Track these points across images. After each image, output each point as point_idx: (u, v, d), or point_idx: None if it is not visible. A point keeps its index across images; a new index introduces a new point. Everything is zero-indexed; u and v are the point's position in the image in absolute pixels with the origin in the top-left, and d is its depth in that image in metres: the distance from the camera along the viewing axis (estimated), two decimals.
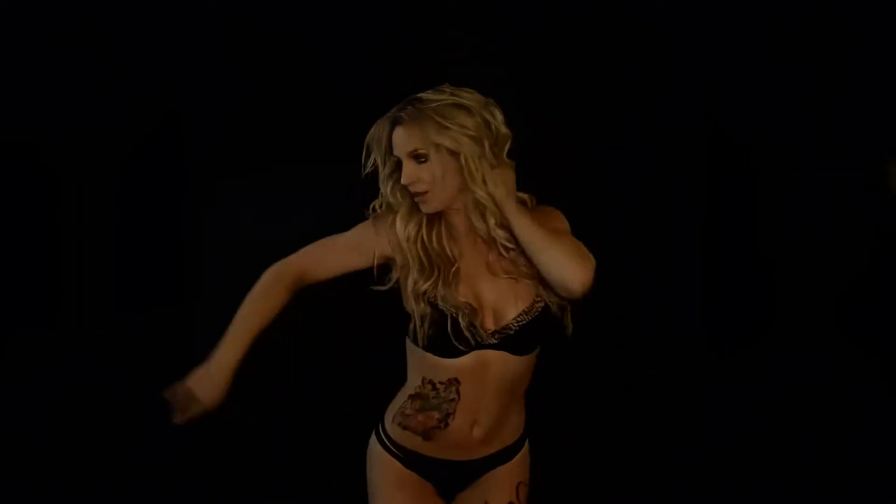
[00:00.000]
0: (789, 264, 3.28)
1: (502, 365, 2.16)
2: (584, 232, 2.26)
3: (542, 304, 2.16)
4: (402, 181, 2.10)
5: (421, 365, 2.21)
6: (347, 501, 2.50)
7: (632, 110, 3.22)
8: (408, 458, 2.28)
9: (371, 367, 2.30)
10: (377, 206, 2.21)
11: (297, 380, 3.34)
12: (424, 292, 2.13)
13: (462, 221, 2.17)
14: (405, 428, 2.25)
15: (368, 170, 2.16)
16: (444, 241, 2.18)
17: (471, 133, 2.06)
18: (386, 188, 2.17)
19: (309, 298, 2.35)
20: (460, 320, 2.11)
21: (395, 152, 2.11)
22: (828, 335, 3.28)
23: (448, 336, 2.12)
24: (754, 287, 3.31)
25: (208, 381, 2.20)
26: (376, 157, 2.16)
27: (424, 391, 2.22)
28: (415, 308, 2.15)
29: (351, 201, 2.36)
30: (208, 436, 3.32)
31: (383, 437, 2.33)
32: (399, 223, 2.17)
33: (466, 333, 2.10)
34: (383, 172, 2.17)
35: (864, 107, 3.19)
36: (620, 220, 3.24)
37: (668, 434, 3.33)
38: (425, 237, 2.16)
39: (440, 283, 2.13)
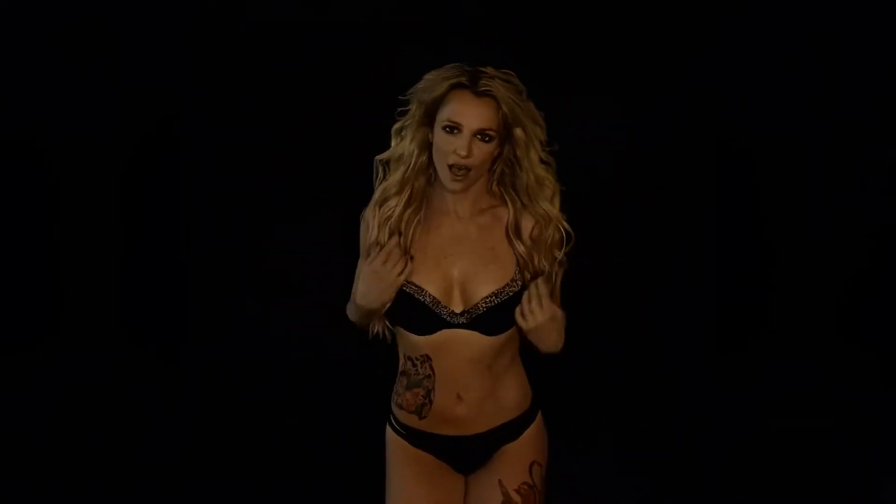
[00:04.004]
0: (790, 263, 3.28)
1: (474, 344, 2.16)
2: (586, 231, 2.26)
3: (515, 289, 2.16)
4: (458, 151, 2.08)
5: (401, 341, 2.25)
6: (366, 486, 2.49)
7: (631, 110, 3.22)
8: (412, 437, 2.29)
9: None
10: (382, 160, 2.20)
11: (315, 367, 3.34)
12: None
13: (450, 199, 2.18)
14: (400, 407, 2.27)
15: (404, 123, 2.15)
16: (413, 227, 2.18)
17: (539, 125, 2.13)
18: (406, 140, 2.16)
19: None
20: (423, 300, 2.13)
21: (456, 119, 2.09)
22: (828, 335, 3.28)
23: (413, 314, 2.14)
24: (755, 286, 3.31)
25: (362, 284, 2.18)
26: (414, 106, 2.15)
27: (406, 368, 2.25)
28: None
29: (349, 202, 2.36)
30: (220, 429, 3.35)
31: (391, 418, 2.34)
32: (386, 192, 2.16)
33: (433, 310, 2.12)
34: (411, 121, 2.16)
35: (865, 105, 3.19)
36: (622, 220, 3.24)
37: (669, 432, 3.33)
38: (395, 219, 2.16)
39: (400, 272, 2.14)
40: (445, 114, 2.12)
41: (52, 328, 3.25)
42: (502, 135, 2.16)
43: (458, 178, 2.12)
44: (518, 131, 2.15)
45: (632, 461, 3.31)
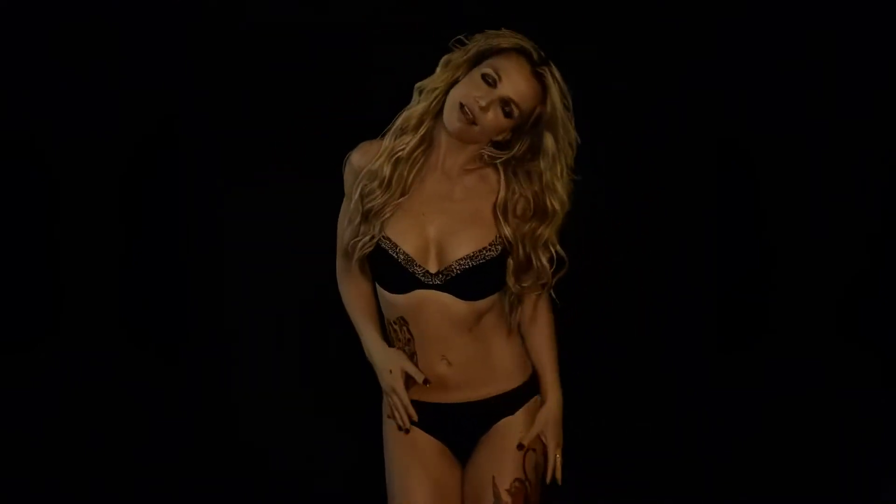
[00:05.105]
0: (790, 263, 3.28)
1: (450, 306, 2.13)
2: (586, 231, 2.26)
3: (493, 254, 2.13)
4: (479, 101, 2.06)
5: (382, 303, 2.24)
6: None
7: (631, 110, 3.22)
8: None
9: None
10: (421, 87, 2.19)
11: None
12: (370, 209, 2.13)
13: (442, 152, 2.16)
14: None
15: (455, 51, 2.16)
16: (413, 170, 2.16)
17: (572, 147, 2.12)
18: (447, 73, 2.13)
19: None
20: (397, 257, 2.11)
21: (500, 73, 2.07)
22: (828, 335, 3.27)
23: (387, 271, 2.13)
24: (755, 286, 3.31)
25: (383, 360, 2.24)
26: (472, 44, 2.14)
27: (389, 335, 2.24)
28: (359, 225, 2.16)
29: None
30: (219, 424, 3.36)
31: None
32: (407, 121, 2.15)
33: (407, 268, 2.11)
34: (459, 56, 2.14)
35: (865, 105, 3.19)
36: (622, 220, 3.23)
37: (669, 432, 3.33)
38: (405, 155, 2.14)
39: (385, 206, 2.13)
40: (493, 62, 2.09)
41: (52, 328, 3.24)
42: (523, 124, 2.13)
43: (463, 120, 2.09)
44: (549, 140, 2.11)
45: (632, 461, 3.31)
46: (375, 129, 2.31)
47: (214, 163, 3.27)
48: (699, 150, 3.24)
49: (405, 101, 2.25)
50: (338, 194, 2.39)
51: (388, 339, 2.27)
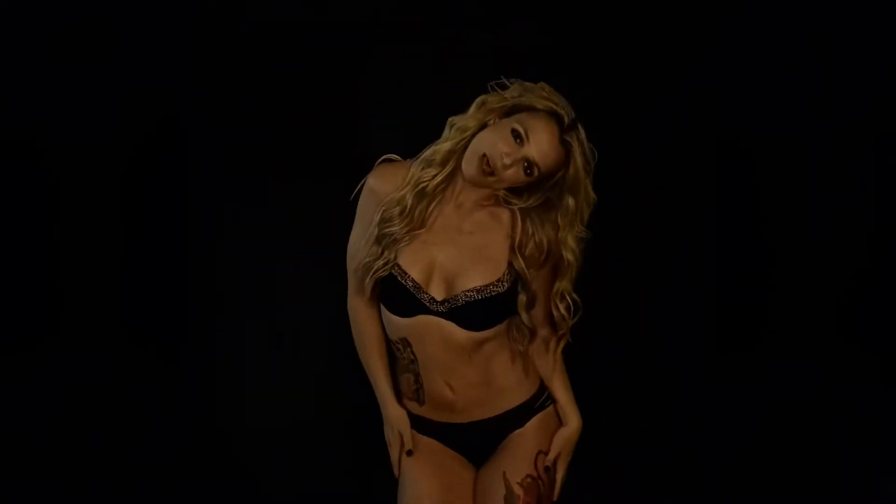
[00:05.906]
0: (790, 263, 3.28)
1: (452, 333, 2.16)
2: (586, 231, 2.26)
3: (499, 290, 2.16)
4: (504, 158, 2.08)
5: (385, 321, 2.28)
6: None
7: (631, 110, 3.22)
8: (418, 424, 2.31)
9: None
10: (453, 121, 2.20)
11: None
12: (387, 234, 2.15)
13: (458, 187, 2.18)
14: (402, 394, 2.30)
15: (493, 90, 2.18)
16: (433, 203, 2.18)
17: (589, 208, 2.20)
18: (479, 114, 2.15)
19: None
20: (405, 283, 2.13)
21: (529, 133, 2.09)
22: (828, 335, 3.27)
23: (394, 296, 2.16)
24: (755, 286, 3.31)
25: (388, 416, 2.34)
26: (510, 94, 2.15)
27: (395, 353, 2.27)
28: (374, 248, 2.18)
29: (351, 203, 2.36)
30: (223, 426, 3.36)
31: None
32: (434, 155, 2.16)
33: (414, 295, 2.13)
34: (496, 101, 2.15)
35: (865, 105, 3.19)
36: (622, 220, 3.23)
37: (669, 432, 3.33)
38: (429, 189, 2.16)
39: (403, 235, 2.15)
40: (525, 121, 2.12)
41: (52, 328, 3.24)
42: (541, 182, 2.16)
43: (481, 171, 2.12)
44: (569, 200, 2.16)
45: (632, 461, 3.31)
46: (375, 130, 2.31)
47: (215, 163, 3.27)
48: (699, 150, 3.24)
49: (405, 101, 2.25)
50: (338, 194, 2.39)
51: (396, 358, 2.29)
